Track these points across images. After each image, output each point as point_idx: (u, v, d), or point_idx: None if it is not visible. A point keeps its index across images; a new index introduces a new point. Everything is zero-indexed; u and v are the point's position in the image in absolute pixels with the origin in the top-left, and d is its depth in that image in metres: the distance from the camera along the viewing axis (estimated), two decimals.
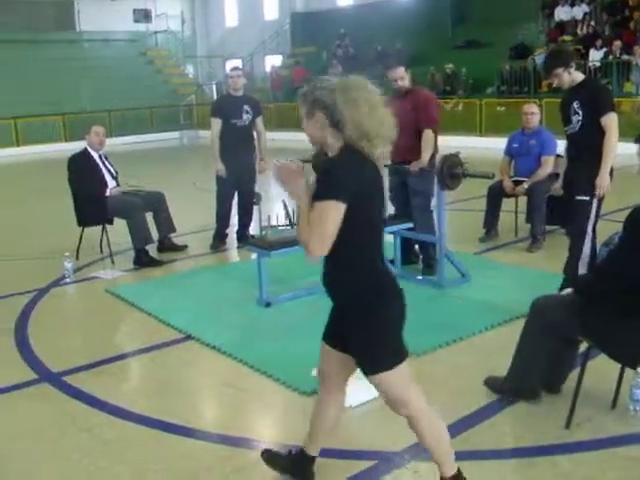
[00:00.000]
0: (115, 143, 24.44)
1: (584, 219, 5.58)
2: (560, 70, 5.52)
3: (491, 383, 4.25)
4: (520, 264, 6.96)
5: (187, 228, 9.17)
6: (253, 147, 8.13)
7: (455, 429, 3.82)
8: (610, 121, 5.48)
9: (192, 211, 10.62)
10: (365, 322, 3.09)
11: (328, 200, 2.83)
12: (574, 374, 3.97)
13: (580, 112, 5.56)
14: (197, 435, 3.94)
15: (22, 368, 5.02)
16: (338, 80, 3.07)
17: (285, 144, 19.61)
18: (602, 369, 4.03)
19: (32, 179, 17.15)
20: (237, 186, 8.08)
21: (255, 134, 8.18)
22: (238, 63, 30.97)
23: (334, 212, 2.84)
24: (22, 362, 5.13)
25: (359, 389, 4.05)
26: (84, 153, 7.71)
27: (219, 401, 4.42)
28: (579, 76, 5.64)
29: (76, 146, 7.78)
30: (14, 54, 27.56)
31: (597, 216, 5.61)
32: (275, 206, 9.69)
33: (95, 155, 7.71)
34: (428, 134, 6.49)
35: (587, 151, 5.55)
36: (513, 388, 4.09)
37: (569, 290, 3.96)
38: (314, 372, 4.19)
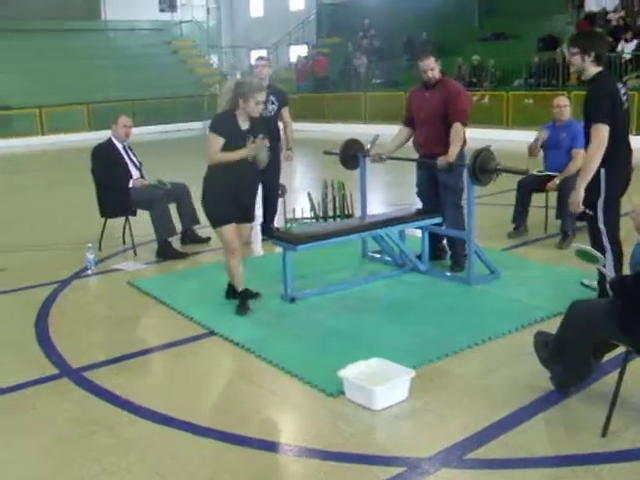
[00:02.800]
0: (139, 133, 24.49)
1: (599, 235, 5.21)
2: (576, 51, 5.10)
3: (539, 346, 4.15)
4: (550, 261, 6.80)
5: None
6: (278, 137, 7.99)
7: (486, 434, 3.70)
8: (596, 133, 4.97)
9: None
10: None
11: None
12: (610, 378, 3.84)
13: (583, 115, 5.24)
14: (219, 436, 3.82)
15: (42, 362, 4.93)
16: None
17: (309, 135, 19.54)
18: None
19: (55, 168, 17.17)
20: (261, 178, 7.94)
21: (281, 124, 8.05)
22: (263, 53, 30.91)
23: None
24: (42, 356, 5.04)
25: (384, 393, 3.94)
26: (109, 143, 7.62)
27: (242, 401, 4.29)
28: (592, 71, 5.14)
29: (100, 135, 7.71)
30: (39, 43, 27.66)
31: (610, 225, 5.19)
32: (300, 198, 9.62)
33: (119, 146, 7.62)
34: (457, 127, 6.31)
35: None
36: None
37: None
38: (340, 372, 4.09)
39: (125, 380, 4.60)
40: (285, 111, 8.03)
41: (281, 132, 8.08)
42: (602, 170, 5.04)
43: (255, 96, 5.37)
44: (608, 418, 3.62)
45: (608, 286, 3.71)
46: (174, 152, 19.67)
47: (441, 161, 6.18)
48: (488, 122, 18.52)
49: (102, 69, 27.44)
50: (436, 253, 6.84)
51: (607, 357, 4.08)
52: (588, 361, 3.86)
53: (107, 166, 7.48)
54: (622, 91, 5.18)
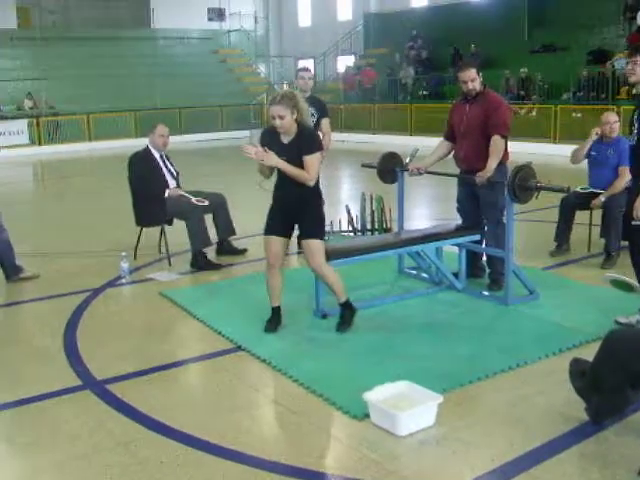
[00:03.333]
0: (185, 140, 24.70)
1: None
2: (636, 58, 4.98)
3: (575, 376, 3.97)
4: (592, 282, 6.56)
5: (249, 231, 8.99)
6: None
7: (514, 467, 3.53)
8: None
9: (255, 213, 10.40)
10: None
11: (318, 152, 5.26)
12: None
13: (637, 124, 5.09)
14: (238, 458, 3.70)
15: (67, 373, 4.88)
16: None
17: (354, 146, 19.44)
18: None
19: (98, 175, 17.31)
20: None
21: (320, 135, 7.92)
22: (310, 63, 30.98)
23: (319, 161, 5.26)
24: (68, 367, 5.00)
25: (409, 419, 3.79)
26: (146, 152, 7.58)
27: (264, 421, 4.18)
28: None
29: (147, 142, 7.65)
30: (88, 50, 28.05)
31: None
32: (339, 211, 9.50)
33: (157, 154, 7.57)
34: (496, 140, 6.13)
35: None
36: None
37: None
38: (365, 396, 3.96)
39: (148, 394, 4.51)
40: (325, 122, 7.91)
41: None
42: None
43: (270, 110, 5.22)
44: None
45: None
46: (218, 160, 19.72)
47: (480, 178, 6.02)
48: (535, 136, 18.25)
49: (150, 77, 27.66)
50: (474, 271, 6.66)
51: None
52: (625, 392, 3.66)
53: (143, 175, 7.43)
54: None
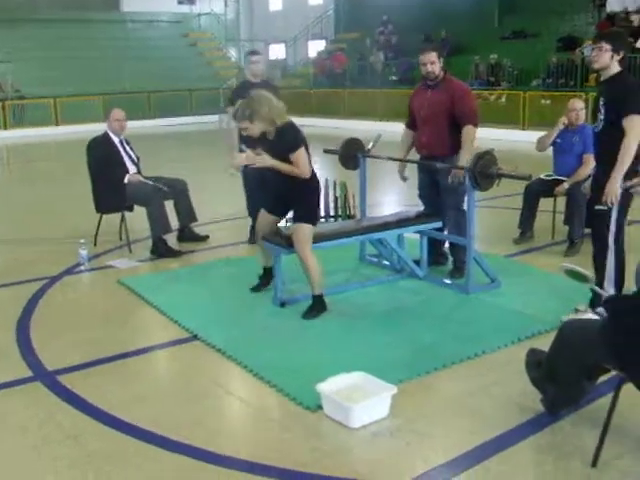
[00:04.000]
0: (154, 125, 24.45)
1: (604, 231, 5.05)
2: (608, 47, 4.92)
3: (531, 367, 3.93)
4: (555, 270, 6.50)
5: (212, 217, 8.91)
6: None
7: (468, 459, 3.48)
8: (632, 124, 4.84)
9: (220, 199, 10.36)
10: None
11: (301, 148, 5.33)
12: (605, 401, 3.60)
13: (602, 110, 5.04)
14: (190, 452, 3.61)
15: (18, 364, 4.76)
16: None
17: (324, 131, 19.32)
18: (636, 398, 3.55)
19: (66, 159, 17.01)
20: (262, 178, 7.70)
21: None
22: (281, 47, 30.83)
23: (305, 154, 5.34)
24: (19, 357, 4.87)
25: (362, 411, 3.72)
26: (105, 137, 7.43)
27: (215, 412, 4.09)
28: (614, 70, 5.00)
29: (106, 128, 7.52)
30: (56, 33, 27.64)
31: (620, 227, 5.05)
32: None
33: (116, 140, 7.43)
34: (470, 130, 6.08)
35: (606, 155, 4.99)
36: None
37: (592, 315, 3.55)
38: (318, 387, 3.89)
39: (99, 386, 4.41)
40: None
41: None
42: None
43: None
44: (599, 446, 3.37)
45: (603, 305, 3.48)
46: (186, 145, 19.51)
47: (453, 177, 5.95)
48: (504, 122, 18.25)
49: (119, 60, 27.33)
50: (436, 259, 6.62)
51: (604, 377, 3.85)
52: (580, 383, 3.62)
53: (102, 160, 7.29)
54: None
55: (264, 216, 5.72)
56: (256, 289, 5.99)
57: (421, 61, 6.18)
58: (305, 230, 5.37)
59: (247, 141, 5.85)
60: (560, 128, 7.43)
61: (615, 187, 4.89)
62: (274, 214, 5.69)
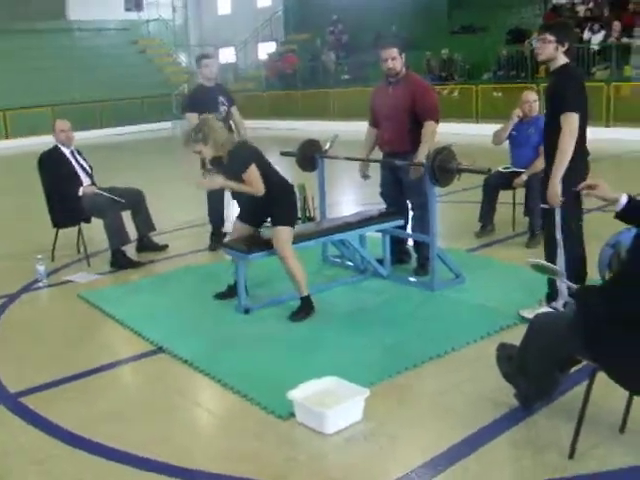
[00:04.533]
0: (106, 134, 24.16)
1: (551, 227, 5.01)
2: (552, 39, 4.86)
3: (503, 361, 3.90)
4: (518, 261, 6.53)
5: (171, 225, 8.79)
6: None
7: (444, 459, 3.45)
8: (568, 121, 4.78)
9: (177, 207, 10.24)
10: None
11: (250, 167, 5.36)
12: (578, 391, 3.59)
13: (546, 105, 5.04)
14: (160, 469, 3.51)
15: None
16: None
17: (280, 132, 19.25)
18: (609, 387, 3.50)
19: (17, 173, 16.69)
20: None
21: (233, 125, 7.69)
22: (231, 51, 30.67)
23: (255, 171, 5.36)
24: None
25: (335, 416, 3.66)
26: (55, 150, 7.28)
27: (185, 426, 3.99)
28: (561, 62, 4.93)
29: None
30: (4, 44, 27.10)
31: (568, 220, 4.95)
32: None
33: (66, 151, 7.27)
34: (431, 126, 6.07)
35: (550, 149, 4.94)
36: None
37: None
38: (290, 394, 3.82)
39: (64, 405, 4.29)
40: (234, 110, 7.70)
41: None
42: None
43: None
44: (575, 437, 3.36)
45: (574, 297, 3.46)
46: (139, 153, 19.30)
47: (414, 173, 5.92)
48: (458, 116, 18.35)
49: (68, 70, 26.96)
50: (400, 257, 6.59)
51: (577, 367, 3.83)
52: (553, 375, 3.60)
53: (54, 174, 7.14)
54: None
55: (239, 227, 5.73)
56: (220, 297, 5.92)
57: (382, 57, 6.13)
58: (285, 232, 5.41)
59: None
60: (515, 121, 7.44)
61: (554, 190, 4.85)
62: (250, 224, 5.72)
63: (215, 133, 5.41)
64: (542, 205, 5.07)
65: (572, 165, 4.83)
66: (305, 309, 5.43)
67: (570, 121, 4.79)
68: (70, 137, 7.30)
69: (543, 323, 3.56)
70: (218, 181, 5.50)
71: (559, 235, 4.96)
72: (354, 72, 23.78)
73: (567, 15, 19.59)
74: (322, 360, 4.58)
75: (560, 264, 4.85)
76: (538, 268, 3.52)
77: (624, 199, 3.33)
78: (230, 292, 5.88)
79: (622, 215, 3.36)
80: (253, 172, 5.38)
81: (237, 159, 5.44)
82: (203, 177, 5.94)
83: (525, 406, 3.79)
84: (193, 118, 7.36)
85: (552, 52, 4.91)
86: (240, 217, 5.82)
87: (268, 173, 5.51)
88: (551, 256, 4.99)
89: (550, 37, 4.89)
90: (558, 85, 4.94)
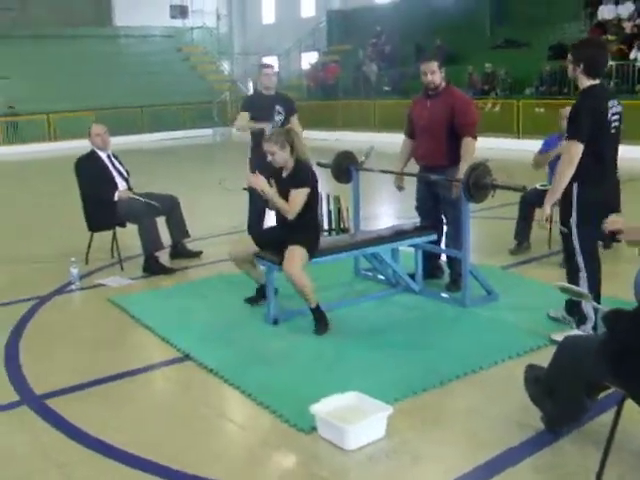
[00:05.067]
0: (147, 140, 24.39)
1: (570, 250, 4.94)
2: (569, 59, 4.79)
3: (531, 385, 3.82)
4: (552, 281, 6.40)
5: (206, 232, 8.81)
6: None
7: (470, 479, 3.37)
8: (567, 149, 4.72)
9: (213, 213, 10.26)
10: None
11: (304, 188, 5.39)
12: (607, 417, 3.50)
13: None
14: (177, 478, 3.51)
15: (5, 388, 4.64)
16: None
17: (319, 143, 19.25)
18: (636, 414, 3.43)
19: (59, 176, 16.87)
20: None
21: None
22: (274, 60, 30.78)
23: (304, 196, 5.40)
24: (6, 381, 4.76)
25: (357, 432, 3.62)
26: (91, 155, 7.34)
27: (208, 436, 3.97)
28: (585, 83, 4.79)
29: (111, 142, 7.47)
30: (49, 49, 27.63)
31: (584, 243, 4.87)
32: None
33: (103, 155, 7.33)
34: (470, 142, 6.00)
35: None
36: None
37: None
38: (312, 409, 3.79)
39: (88, 409, 4.30)
40: (294, 120, 7.58)
41: None
42: (574, 186, 4.77)
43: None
44: (602, 466, 3.26)
45: (603, 320, 3.37)
46: (179, 159, 19.43)
47: (455, 191, 5.85)
48: (498, 131, 18.21)
49: (112, 75, 27.34)
50: (433, 271, 6.52)
51: (606, 393, 3.75)
52: (581, 401, 3.52)
53: (91, 178, 7.20)
54: (614, 110, 4.85)
55: (247, 243, 5.72)
56: (250, 301, 5.96)
57: (422, 70, 6.10)
58: (300, 252, 5.30)
59: (261, 168, 5.79)
60: (551, 157, 7.30)
61: (545, 212, 4.86)
62: (263, 249, 5.59)
63: (298, 145, 5.49)
64: (560, 227, 4.97)
65: (585, 189, 4.75)
66: (320, 320, 5.38)
67: (568, 149, 4.72)
68: (106, 141, 7.36)
69: (571, 346, 3.48)
70: (263, 183, 5.47)
71: (580, 258, 4.88)
72: (395, 83, 23.75)
73: (613, 31, 19.40)
74: (347, 374, 4.53)
75: (583, 286, 4.77)
76: (565, 290, 3.45)
77: None
78: (258, 296, 5.91)
79: None
80: (302, 194, 5.39)
81: (298, 174, 5.47)
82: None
83: (551, 430, 3.71)
84: (244, 116, 7.39)
85: (571, 72, 4.85)
86: (258, 239, 5.72)
87: (312, 206, 5.54)
88: (574, 279, 4.91)
89: (569, 57, 4.83)
90: (572, 109, 4.83)
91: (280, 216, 5.62)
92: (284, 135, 5.49)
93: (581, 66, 4.74)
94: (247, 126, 7.37)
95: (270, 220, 7.69)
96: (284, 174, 5.55)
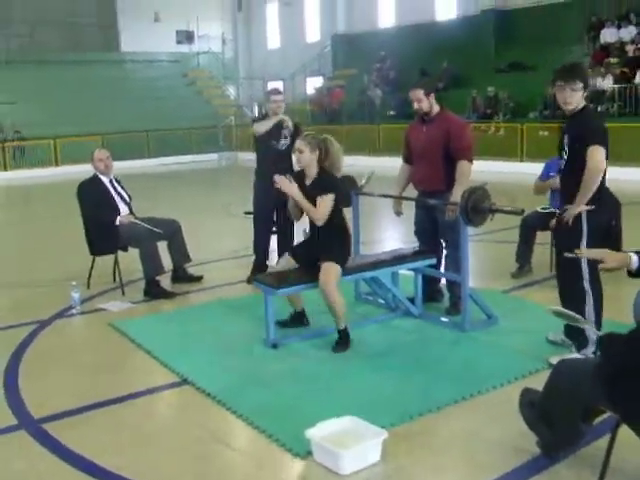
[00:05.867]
0: (153, 164, 24.50)
1: (579, 277, 4.90)
2: (579, 86, 4.79)
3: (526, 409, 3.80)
4: (554, 304, 6.39)
5: (209, 256, 8.83)
6: (291, 172, 7.62)
7: None
8: (593, 154, 4.71)
9: (215, 238, 10.29)
10: None
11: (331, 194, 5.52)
12: (602, 442, 3.48)
13: (566, 149, 4.93)
14: None
15: (3, 412, 4.66)
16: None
17: None
18: (633, 440, 3.34)
19: (64, 200, 16.96)
20: (276, 214, 7.62)
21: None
22: (279, 84, 30.98)
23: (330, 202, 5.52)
24: (5, 405, 4.76)
25: (352, 457, 3.61)
26: (94, 179, 7.39)
27: (203, 461, 3.95)
28: (581, 104, 4.86)
29: (115, 166, 7.51)
30: (57, 74, 27.85)
31: (593, 266, 4.75)
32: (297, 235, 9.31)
33: (105, 180, 7.38)
34: (464, 166, 6.03)
35: (572, 191, 4.86)
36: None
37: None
38: (308, 433, 3.78)
39: (86, 433, 4.31)
40: None
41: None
42: (584, 211, 4.81)
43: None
44: None
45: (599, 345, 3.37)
46: (185, 184, 19.49)
47: (450, 214, 5.87)
48: (502, 154, 18.25)
49: (118, 100, 27.49)
50: (432, 295, 6.52)
51: (601, 418, 3.74)
52: (576, 425, 3.51)
53: (92, 202, 7.24)
54: None
55: (287, 260, 5.79)
56: (282, 325, 5.96)
57: (410, 98, 6.15)
58: (334, 268, 5.42)
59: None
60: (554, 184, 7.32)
61: (575, 211, 4.83)
62: (298, 261, 5.72)
63: (330, 150, 5.66)
64: (566, 254, 4.47)
65: (595, 212, 4.77)
66: (344, 341, 5.46)
67: (597, 155, 4.73)
68: (109, 166, 7.41)
69: (566, 370, 3.47)
70: (294, 188, 5.57)
71: (587, 284, 4.87)
72: (400, 108, 23.81)
73: (616, 54, 19.49)
74: (345, 398, 4.53)
75: (589, 312, 4.76)
76: (560, 315, 3.45)
77: (635, 260, 3.26)
78: (293, 320, 6.00)
79: (637, 274, 3.29)
80: (329, 200, 5.51)
81: (324, 181, 5.59)
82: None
83: (548, 455, 3.70)
84: (259, 126, 7.47)
85: (580, 100, 4.85)
86: (293, 252, 5.87)
87: (337, 211, 5.64)
88: (579, 307, 4.79)
89: (578, 84, 4.80)
90: (584, 122, 4.86)
91: (312, 230, 5.74)
92: (319, 140, 5.63)
93: (581, 88, 4.81)
94: (268, 123, 7.47)
95: (274, 242, 7.74)
96: (307, 182, 5.65)
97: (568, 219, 4.87)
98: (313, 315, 6.03)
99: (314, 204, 5.52)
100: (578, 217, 4.82)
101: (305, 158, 5.58)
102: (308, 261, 5.61)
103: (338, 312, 5.41)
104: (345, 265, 5.56)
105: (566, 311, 3.52)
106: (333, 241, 5.59)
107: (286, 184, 5.57)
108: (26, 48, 29.29)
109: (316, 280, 5.42)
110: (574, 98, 4.83)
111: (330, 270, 5.39)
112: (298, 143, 5.61)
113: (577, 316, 3.49)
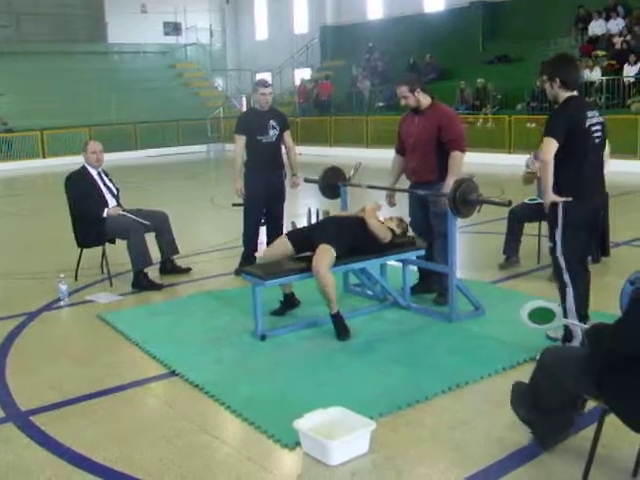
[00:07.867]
0: (141, 156, 24.42)
1: (558, 269, 4.98)
2: (544, 78, 4.94)
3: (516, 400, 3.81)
4: (541, 295, 6.42)
5: (197, 248, 8.81)
6: (281, 164, 7.60)
7: None
8: (544, 145, 4.78)
9: (203, 230, 10.27)
10: None
11: None
12: (590, 431, 3.50)
13: None
14: None
15: None
16: None
17: (312, 159, 19.29)
18: (619, 429, 3.38)
19: (51, 192, 16.92)
20: (266, 206, 7.61)
21: (284, 149, 7.71)
22: (267, 76, 30.90)
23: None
24: None
25: (340, 447, 3.61)
26: (82, 171, 7.35)
27: (191, 452, 3.96)
28: (563, 96, 4.88)
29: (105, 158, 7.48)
30: (43, 66, 27.66)
31: (570, 258, 4.90)
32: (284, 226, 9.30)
33: (94, 172, 7.34)
34: (457, 156, 6.05)
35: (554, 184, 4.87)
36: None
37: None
38: (296, 424, 3.78)
39: (74, 426, 4.29)
40: (287, 135, 7.65)
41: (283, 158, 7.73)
42: (560, 204, 4.83)
43: None
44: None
45: (586, 335, 3.38)
46: (173, 176, 19.42)
47: (440, 205, 5.88)
48: (490, 146, 18.27)
49: (106, 92, 27.32)
50: (427, 286, 6.49)
51: (590, 406, 3.76)
52: (566, 412, 3.52)
53: (80, 195, 7.20)
54: (594, 120, 4.89)
55: (282, 242, 5.89)
56: (274, 313, 6.06)
57: (397, 94, 6.18)
58: (330, 251, 5.48)
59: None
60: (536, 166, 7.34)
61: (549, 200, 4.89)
62: (293, 245, 5.82)
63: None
64: (549, 243, 5.03)
65: (571, 206, 4.81)
66: (341, 326, 5.50)
67: (545, 145, 4.76)
68: (100, 159, 7.37)
69: (554, 359, 3.47)
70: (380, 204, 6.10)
71: (566, 275, 4.90)
72: (388, 99, 23.81)
73: (603, 47, 19.54)
74: (333, 389, 4.54)
75: (570, 303, 4.79)
76: (534, 314, 3.46)
77: None
78: (285, 307, 6.09)
79: None
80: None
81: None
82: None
83: (544, 447, 3.69)
84: (240, 140, 7.43)
85: (549, 90, 4.95)
86: (289, 234, 5.98)
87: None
88: (563, 298, 4.96)
89: (544, 76, 4.95)
90: (550, 115, 4.98)
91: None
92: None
93: (557, 81, 4.84)
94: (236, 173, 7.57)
95: (263, 234, 7.73)
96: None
97: (545, 208, 4.95)
98: (303, 306, 6.02)
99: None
100: (555, 208, 4.84)
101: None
102: (304, 245, 5.70)
103: (329, 295, 5.44)
104: (340, 252, 5.57)
105: (538, 305, 3.51)
106: (334, 227, 5.70)
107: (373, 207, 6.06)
108: (12, 39, 29.08)
109: (304, 271, 5.42)
110: (549, 91, 4.97)
111: (324, 252, 5.44)
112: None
113: (552, 308, 3.49)
